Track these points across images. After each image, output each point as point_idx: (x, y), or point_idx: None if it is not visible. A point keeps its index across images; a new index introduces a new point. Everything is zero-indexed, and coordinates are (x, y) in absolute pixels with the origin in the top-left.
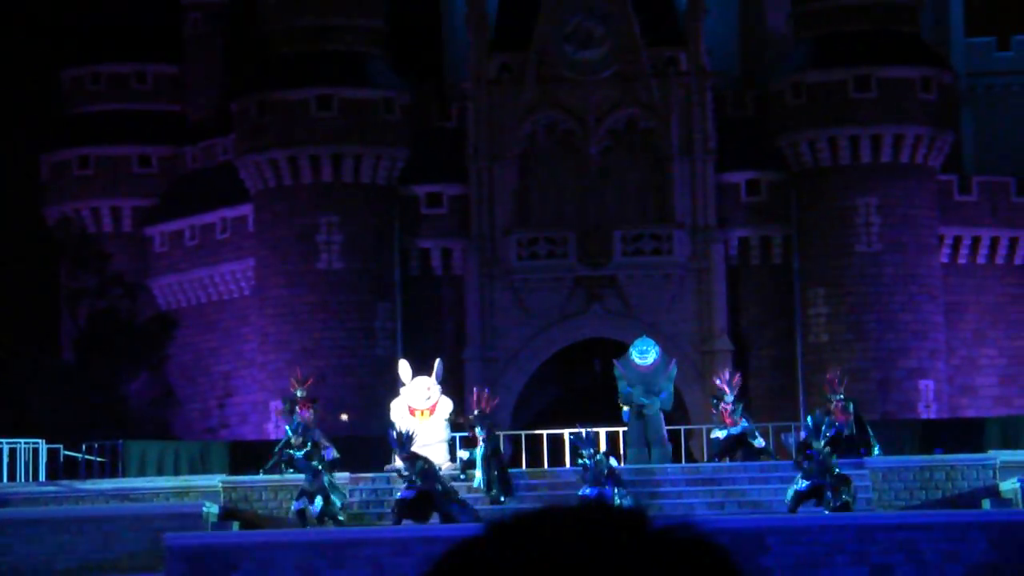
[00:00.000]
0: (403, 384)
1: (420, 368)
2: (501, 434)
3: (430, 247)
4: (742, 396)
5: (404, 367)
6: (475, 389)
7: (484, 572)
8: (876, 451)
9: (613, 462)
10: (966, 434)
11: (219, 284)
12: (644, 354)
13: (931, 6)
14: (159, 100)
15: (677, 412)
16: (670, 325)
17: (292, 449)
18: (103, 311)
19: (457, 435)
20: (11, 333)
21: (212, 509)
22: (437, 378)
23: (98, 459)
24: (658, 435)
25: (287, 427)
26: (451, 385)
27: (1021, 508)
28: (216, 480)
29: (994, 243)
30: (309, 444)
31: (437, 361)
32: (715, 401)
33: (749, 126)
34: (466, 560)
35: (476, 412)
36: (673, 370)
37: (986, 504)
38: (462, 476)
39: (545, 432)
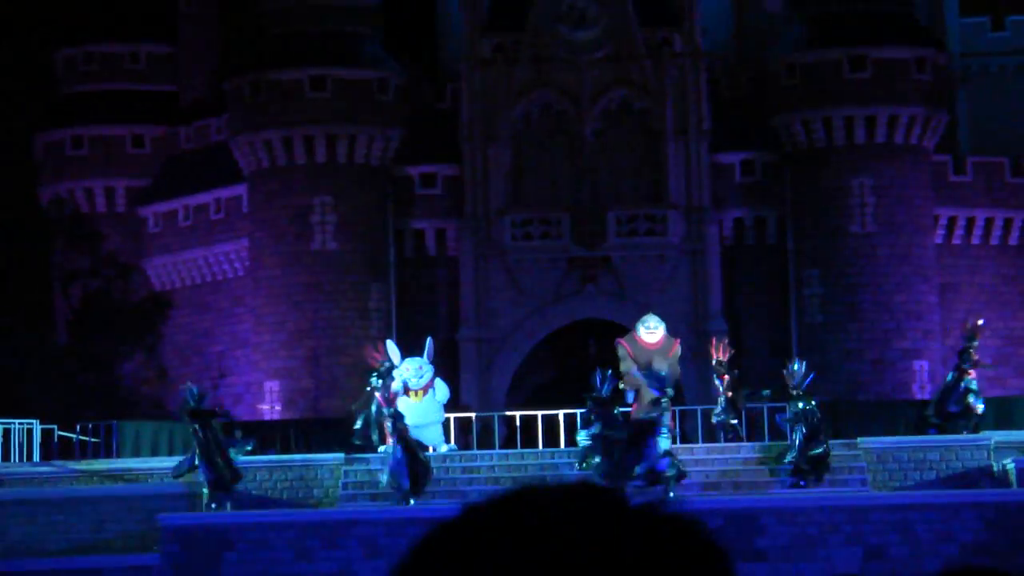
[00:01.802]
0: (395, 366)
1: (414, 348)
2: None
3: (424, 228)
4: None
5: (392, 348)
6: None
7: (462, 554)
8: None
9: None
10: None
11: (213, 264)
12: (652, 331)
13: None
14: (153, 80)
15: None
16: (664, 306)
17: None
18: (97, 291)
19: (452, 416)
20: (4, 314)
21: (206, 489)
22: (428, 357)
23: (92, 439)
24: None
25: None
26: (445, 366)
27: (1015, 488)
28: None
29: (988, 224)
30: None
31: (428, 340)
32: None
33: (744, 106)
34: (443, 543)
35: None
36: (678, 350)
37: (981, 484)
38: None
39: (540, 413)
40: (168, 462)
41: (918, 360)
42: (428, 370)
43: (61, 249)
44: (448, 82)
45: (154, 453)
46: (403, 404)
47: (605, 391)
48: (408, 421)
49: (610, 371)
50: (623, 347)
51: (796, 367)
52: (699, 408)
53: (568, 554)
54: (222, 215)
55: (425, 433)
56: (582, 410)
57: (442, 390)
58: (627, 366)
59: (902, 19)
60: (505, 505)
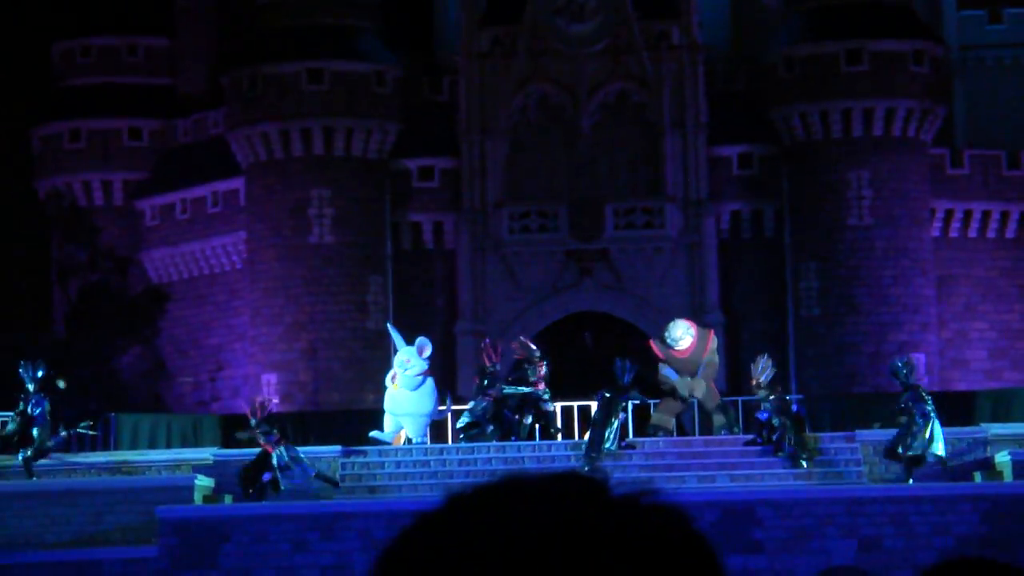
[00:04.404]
0: (395, 351)
1: (410, 343)
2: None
3: (422, 221)
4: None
5: (394, 333)
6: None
7: (444, 543)
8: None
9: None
10: (957, 407)
11: (211, 258)
12: (676, 341)
13: None
14: (150, 73)
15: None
16: (662, 299)
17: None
18: (94, 285)
19: (449, 409)
20: (2, 307)
21: (204, 482)
22: (419, 353)
23: (90, 432)
24: (714, 403)
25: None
26: (442, 359)
27: (1011, 481)
28: (208, 453)
29: (985, 217)
30: None
31: (422, 338)
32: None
33: (741, 99)
34: (426, 532)
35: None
36: (714, 343)
37: (977, 477)
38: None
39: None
40: (166, 455)
41: (915, 353)
42: (416, 365)
43: (58, 242)
44: (445, 75)
45: (152, 446)
46: (393, 394)
47: (627, 380)
48: (395, 410)
49: (628, 361)
50: (655, 353)
51: (762, 362)
52: (694, 400)
53: (551, 543)
54: (219, 208)
55: (407, 423)
56: (580, 402)
57: (429, 386)
58: (663, 370)
59: (899, 12)
60: (488, 494)
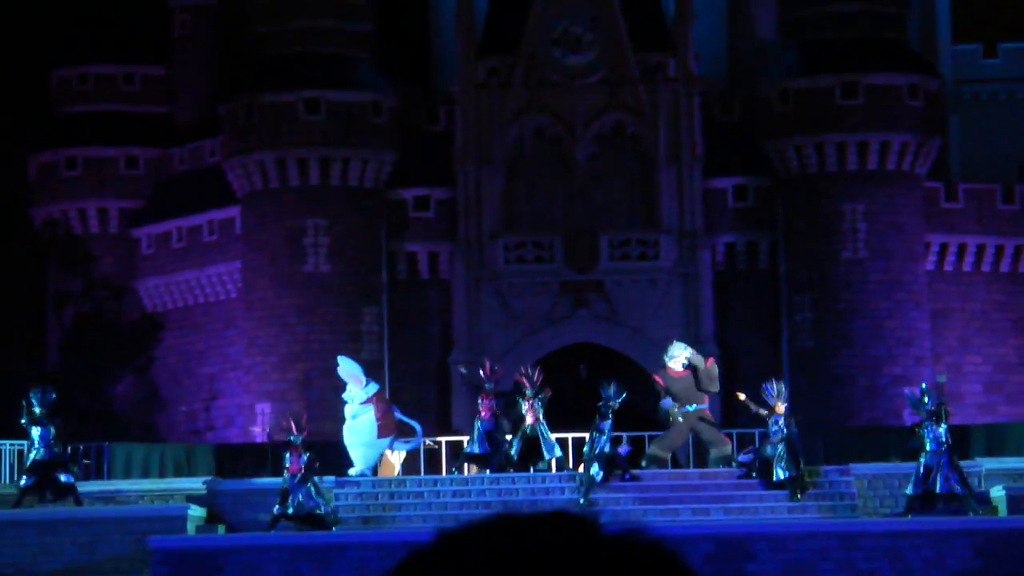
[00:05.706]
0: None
1: (406, 371)
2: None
3: (417, 251)
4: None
5: (344, 363)
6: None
7: None
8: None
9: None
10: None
11: (206, 286)
12: (673, 358)
13: (918, 13)
14: (147, 101)
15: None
16: (656, 330)
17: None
18: (89, 313)
19: (443, 440)
20: None
21: (197, 512)
22: (357, 383)
23: (84, 461)
24: (713, 435)
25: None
26: (437, 390)
27: (1006, 516)
28: (201, 482)
29: (980, 250)
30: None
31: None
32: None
33: (736, 132)
34: (416, 569)
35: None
36: (713, 369)
37: (972, 512)
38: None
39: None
40: (159, 484)
41: (909, 386)
42: (358, 395)
43: (54, 270)
44: (442, 105)
45: (145, 475)
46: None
47: (616, 399)
48: (345, 442)
49: (615, 381)
50: (657, 382)
51: (776, 386)
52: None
53: None
54: (215, 237)
55: (353, 453)
56: (573, 434)
57: (367, 415)
58: (664, 400)
59: (894, 45)
60: (478, 532)
